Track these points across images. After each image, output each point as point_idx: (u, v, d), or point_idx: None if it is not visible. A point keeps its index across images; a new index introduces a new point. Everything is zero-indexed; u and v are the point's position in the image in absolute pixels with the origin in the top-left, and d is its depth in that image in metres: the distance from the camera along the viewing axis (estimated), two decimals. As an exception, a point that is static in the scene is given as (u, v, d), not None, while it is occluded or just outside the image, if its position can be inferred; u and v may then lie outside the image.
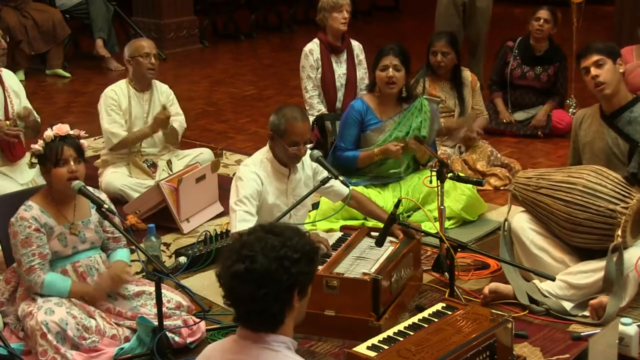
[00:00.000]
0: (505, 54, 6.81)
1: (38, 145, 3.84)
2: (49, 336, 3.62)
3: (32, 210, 3.80)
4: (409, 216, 5.15)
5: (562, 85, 6.76)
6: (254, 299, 2.42)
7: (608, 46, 4.38)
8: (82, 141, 3.90)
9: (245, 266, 2.42)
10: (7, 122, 5.06)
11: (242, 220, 4.13)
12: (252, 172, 4.26)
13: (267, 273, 2.41)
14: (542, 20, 6.61)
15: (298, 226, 2.68)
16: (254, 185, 4.23)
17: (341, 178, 4.19)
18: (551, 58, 6.70)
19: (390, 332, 3.40)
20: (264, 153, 4.37)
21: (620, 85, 4.33)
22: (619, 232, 3.97)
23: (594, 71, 4.27)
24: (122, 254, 4.05)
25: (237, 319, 2.54)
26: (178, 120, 5.69)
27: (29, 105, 5.30)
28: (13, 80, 5.28)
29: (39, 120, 5.27)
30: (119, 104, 5.47)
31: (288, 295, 2.46)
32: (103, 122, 5.50)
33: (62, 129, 3.85)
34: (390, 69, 5.09)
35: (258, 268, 2.41)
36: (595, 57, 4.28)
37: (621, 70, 4.34)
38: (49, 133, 3.83)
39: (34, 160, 3.89)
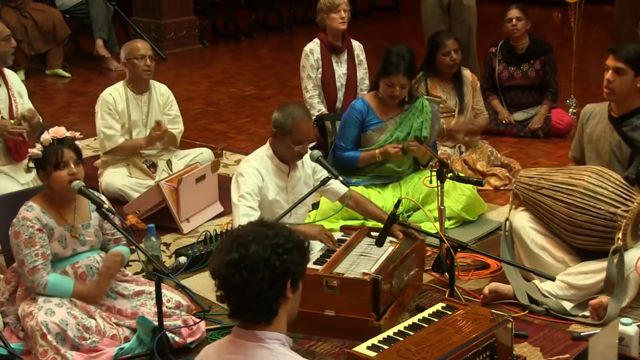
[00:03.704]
0: (490, 60, 6.81)
1: (36, 150, 3.82)
2: (49, 337, 3.62)
3: (33, 211, 3.79)
4: (409, 216, 5.15)
5: (552, 76, 6.71)
6: (249, 285, 2.45)
7: (638, 56, 4.20)
8: (77, 142, 3.89)
9: (240, 254, 2.46)
10: (12, 121, 5.07)
11: (245, 215, 4.14)
12: (253, 167, 4.27)
13: (261, 259, 2.45)
14: (514, 20, 6.61)
15: (288, 225, 2.73)
16: (255, 180, 4.23)
17: (340, 178, 4.20)
18: (535, 53, 6.69)
19: (390, 332, 3.40)
20: (264, 150, 4.38)
21: (629, 96, 4.24)
22: (620, 235, 3.96)
23: (609, 75, 4.21)
24: (118, 248, 4.03)
25: (232, 314, 2.56)
26: (177, 128, 5.68)
27: (31, 106, 5.31)
28: (16, 80, 5.31)
29: (41, 121, 5.26)
30: (115, 109, 5.46)
31: (281, 283, 2.49)
32: (98, 125, 5.50)
33: (59, 131, 3.83)
34: (397, 88, 5.08)
35: (252, 254, 2.46)
36: (620, 64, 4.19)
37: (639, 85, 4.21)
38: (46, 136, 3.81)
39: (31, 164, 3.87)
